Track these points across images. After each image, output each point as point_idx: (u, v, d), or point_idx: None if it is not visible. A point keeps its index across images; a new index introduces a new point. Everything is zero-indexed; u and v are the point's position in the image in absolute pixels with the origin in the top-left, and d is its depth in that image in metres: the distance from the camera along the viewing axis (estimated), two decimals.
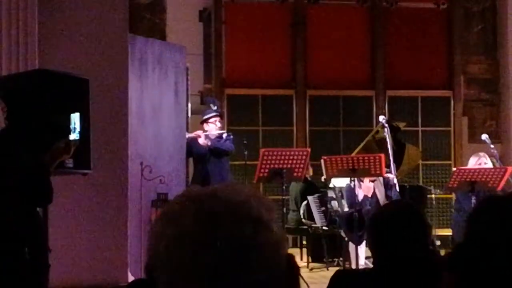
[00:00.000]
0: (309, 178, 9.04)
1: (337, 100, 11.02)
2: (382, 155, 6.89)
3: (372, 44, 11.18)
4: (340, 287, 2.79)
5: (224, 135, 7.91)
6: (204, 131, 7.82)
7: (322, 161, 6.98)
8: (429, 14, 11.30)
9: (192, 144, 7.62)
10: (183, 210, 1.18)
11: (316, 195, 8.71)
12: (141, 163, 6.24)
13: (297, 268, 1.20)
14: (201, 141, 7.68)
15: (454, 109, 11.22)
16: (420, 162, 10.73)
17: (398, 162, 9.59)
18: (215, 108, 7.90)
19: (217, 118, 7.90)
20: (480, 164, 7.27)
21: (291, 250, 9.24)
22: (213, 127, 7.82)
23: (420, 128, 11.13)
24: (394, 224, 2.72)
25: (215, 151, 7.73)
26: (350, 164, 6.82)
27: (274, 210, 1.25)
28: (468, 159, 7.74)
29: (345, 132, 10.94)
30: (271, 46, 10.88)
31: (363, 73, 11.16)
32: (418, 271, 2.62)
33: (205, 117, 7.92)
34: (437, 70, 11.30)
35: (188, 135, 7.55)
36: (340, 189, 8.29)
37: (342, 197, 8.23)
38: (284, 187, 7.35)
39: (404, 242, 2.69)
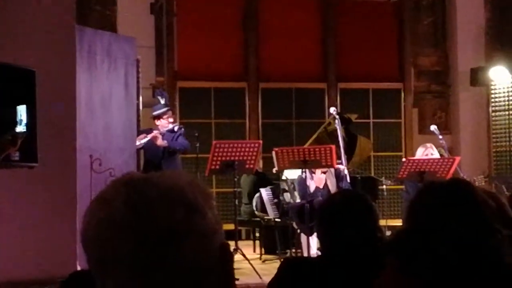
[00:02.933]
0: (259, 170, 9.06)
1: (290, 93, 11.05)
2: (333, 147, 6.93)
3: (324, 37, 11.24)
4: (288, 275, 2.80)
5: (176, 128, 7.89)
6: (155, 126, 7.79)
7: (273, 153, 7.00)
8: (380, 7, 11.40)
9: (148, 147, 7.61)
10: (115, 193, 1.17)
11: (269, 187, 8.72)
12: (91, 156, 6.18)
13: (231, 257, 1.19)
14: (159, 142, 7.67)
15: (404, 101, 11.35)
16: (372, 153, 10.84)
17: (350, 153, 9.68)
18: (163, 101, 7.87)
19: (169, 113, 7.90)
20: (427, 155, 7.38)
21: (244, 243, 9.25)
22: (165, 123, 7.81)
23: (371, 120, 11.23)
24: (342, 212, 2.74)
25: (170, 150, 7.74)
26: (302, 156, 6.85)
27: (211, 197, 1.24)
28: None
29: (298, 125, 10.98)
30: (223, 39, 10.85)
31: (315, 66, 11.21)
32: (364, 258, 2.64)
33: (157, 112, 7.90)
34: (388, 63, 11.42)
35: (145, 139, 7.51)
36: (292, 181, 8.32)
37: (294, 189, 8.26)
38: (236, 180, 7.36)
39: (351, 229, 2.71)
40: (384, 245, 2.56)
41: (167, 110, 7.86)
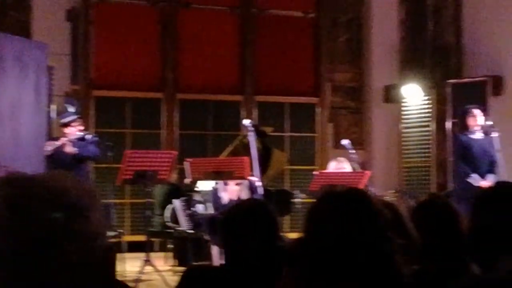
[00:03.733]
0: (173, 182, 9.02)
1: (207, 104, 11.05)
2: (246, 158, 6.96)
3: (242, 50, 11.31)
4: (190, 283, 2.79)
5: (88, 137, 7.78)
6: (65, 134, 7.66)
7: (186, 163, 6.97)
8: (297, 22, 11.56)
9: (56, 154, 7.46)
10: None
11: (182, 198, 8.67)
12: None
13: (114, 260, 1.18)
14: (68, 149, 7.53)
15: (320, 115, 11.51)
16: (287, 166, 10.94)
17: (264, 166, 9.74)
18: (73, 109, 7.75)
19: (79, 121, 7.78)
20: (339, 169, 7.51)
21: (156, 254, 9.16)
22: (74, 130, 7.69)
23: (287, 134, 11.34)
24: (243, 222, 2.76)
25: (78, 158, 7.61)
26: (214, 167, 6.85)
27: (97, 201, 1.23)
28: None
29: (214, 137, 10.99)
30: (140, 48, 10.77)
31: (233, 78, 11.26)
32: (265, 267, 2.66)
33: (65, 120, 7.78)
34: (304, 77, 11.57)
35: (53, 145, 7.37)
36: (206, 192, 8.30)
37: (208, 200, 8.24)
38: (149, 190, 7.30)
39: (252, 238, 2.72)
40: (282, 255, 2.58)
41: (76, 118, 7.75)
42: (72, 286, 1.16)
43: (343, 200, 2.03)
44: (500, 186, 2.34)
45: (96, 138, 7.93)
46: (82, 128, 7.84)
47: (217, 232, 6.56)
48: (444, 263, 2.82)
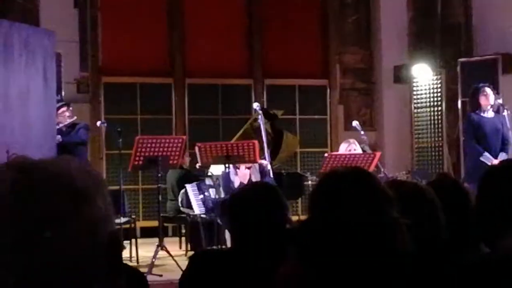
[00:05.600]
0: (185, 167, 9.04)
1: (216, 89, 11.04)
2: (256, 142, 6.96)
3: (250, 33, 11.27)
4: (198, 267, 2.80)
5: (81, 123, 7.84)
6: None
7: (196, 148, 6.98)
8: (305, 4, 11.49)
9: None
10: (3, 175, 1.15)
11: (194, 183, 8.69)
12: (7, 152, 6.02)
13: (120, 246, 1.18)
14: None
15: (330, 97, 11.48)
16: (298, 149, 10.93)
17: (276, 149, 9.75)
18: (58, 97, 7.78)
19: (64, 108, 7.80)
20: (350, 150, 7.51)
21: (170, 239, 9.21)
22: (61, 119, 7.72)
23: (297, 116, 11.32)
24: (249, 204, 2.76)
25: (66, 145, 7.61)
26: (225, 151, 6.86)
27: (102, 185, 1.23)
28: None
29: (224, 121, 10.98)
30: (148, 34, 10.75)
31: (241, 62, 11.23)
32: (273, 249, 2.66)
33: None
34: (313, 60, 11.53)
35: None
36: (218, 176, 8.31)
37: (219, 184, 8.25)
38: (160, 175, 7.31)
39: (259, 221, 2.72)
40: (287, 235, 2.59)
41: (61, 106, 7.77)
42: (76, 271, 1.16)
43: (343, 180, 2.03)
44: (506, 164, 2.32)
45: (85, 123, 7.96)
46: (69, 115, 7.87)
47: (224, 215, 6.59)
48: (454, 242, 2.80)
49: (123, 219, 7.79)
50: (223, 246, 7.77)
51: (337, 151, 8.30)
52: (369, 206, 1.96)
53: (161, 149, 7.01)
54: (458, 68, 10.12)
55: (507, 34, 10.12)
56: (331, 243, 1.97)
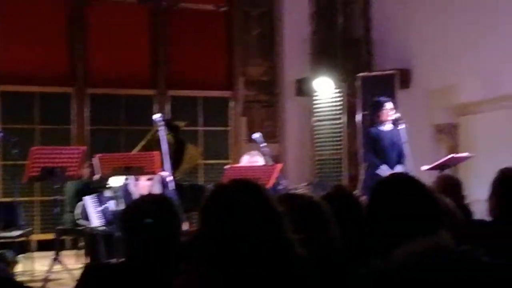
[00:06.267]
0: (84, 178, 8.85)
1: (118, 99, 10.88)
2: (157, 153, 6.88)
3: (154, 43, 11.18)
4: (90, 280, 2.73)
5: None
6: None
7: (95, 159, 6.83)
8: (210, 16, 11.51)
9: None
10: None
11: (94, 195, 8.51)
12: None
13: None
14: None
15: (233, 109, 11.51)
16: (201, 161, 10.90)
17: (178, 161, 9.67)
18: None
19: None
20: (252, 162, 7.52)
21: (68, 252, 8.97)
22: None
23: (200, 128, 11.30)
24: (142, 216, 2.71)
25: None
26: (125, 162, 6.74)
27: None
28: None
29: (127, 132, 10.82)
30: (49, 42, 10.49)
31: (145, 73, 11.12)
32: (165, 262, 2.62)
33: None
34: (217, 71, 11.55)
35: None
36: (118, 188, 8.16)
37: (119, 196, 8.10)
38: (58, 187, 7.12)
39: (152, 233, 2.68)
40: (181, 248, 2.55)
41: None
42: None
43: (228, 193, 2.01)
44: (394, 176, 2.37)
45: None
46: None
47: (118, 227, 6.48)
48: (349, 253, 2.84)
49: (17, 232, 7.53)
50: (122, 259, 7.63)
51: (239, 163, 8.30)
52: (257, 220, 1.95)
53: (58, 159, 6.83)
54: (358, 82, 10.35)
55: (405, 49, 10.44)
56: (221, 257, 1.95)
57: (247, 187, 2.02)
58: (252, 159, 7.71)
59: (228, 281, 1.94)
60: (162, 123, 7.60)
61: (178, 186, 8.42)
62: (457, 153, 8.53)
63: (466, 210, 4.57)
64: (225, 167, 7.94)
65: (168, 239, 2.66)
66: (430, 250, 2.07)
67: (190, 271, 2.08)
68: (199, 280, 2.01)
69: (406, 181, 2.24)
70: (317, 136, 11.00)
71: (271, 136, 11.44)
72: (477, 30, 9.32)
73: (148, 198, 2.89)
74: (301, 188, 8.91)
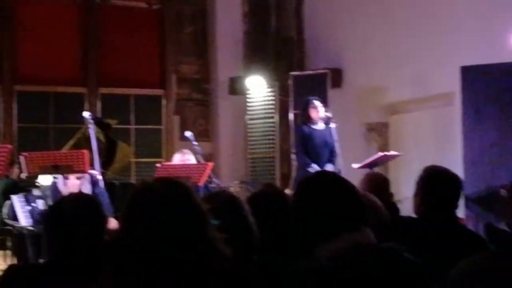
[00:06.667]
0: (12, 177, 8.65)
1: (47, 97, 10.67)
2: (86, 151, 6.74)
3: (85, 41, 11.00)
4: (11, 281, 2.66)
5: None
6: None
7: (21, 157, 6.67)
8: (142, 14, 11.40)
9: None
10: None
11: (22, 194, 8.33)
12: None
13: None
14: None
15: (166, 107, 11.43)
16: (133, 159, 10.79)
17: (109, 159, 9.56)
18: None
19: None
20: (184, 161, 7.47)
21: None
22: None
23: (133, 126, 11.18)
24: (66, 215, 2.65)
25: None
26: (52, 161, 6.59)
27: None
28: None
29: (56, 130, 10.63)
30: None
31: (75, 70, 10.94)
32: (88, 262, 2.57)
33: None
34: (150, 69, 11.45)
35: None
36: (46, 187, 8.00)
37: (48, 195, 7.95)
38: None
39: (75, 233, 2.63)
40: (104, 248, 2.51)
41: None
42: None
43: (151, 191, 1.99)
44: (318, 174, 2.39)
45: None
46: None
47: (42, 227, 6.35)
48: (278, 252, 2.84)
49: None
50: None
51: (171, 161, 8.24)
52: (181, 219, 1.93)
53: None
54: (291, 81, 10.41)
55: (337, 49, 10.56)
56: (143, 257, 1.92)
57: (172, 185, 1.99)
58: (184, 157, 7.65)
59: (147, 285, 1.91)
60: (92, 121, 7.48)
61: (110, 184, 8.32)
62: (388, 151, 8.67)
63: (393, 208, 4.64)
64: (157, 165, 7.87)
65: (91, 238, 2.61)
66: (353, 247, 2.08)
67: (110, 273, 2.05)
68: (119, 283, 1.97)
69: (329, 179, 2.25)
70: (250, 135, 11.02)
71: (204, 135, 11.43)
72: (406, 30, 9.51)
73: (71, 198, 2.84)
74: (234, 187, 8.91)
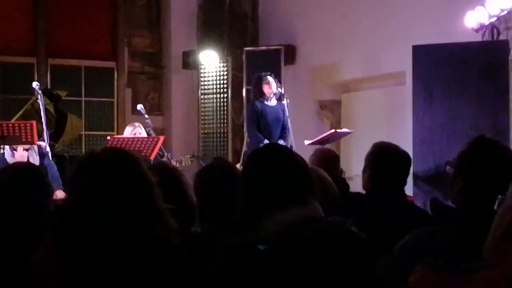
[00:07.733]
0: None
1: None
2: (34, 122, 6.64)
3: (35, 10, 10.75)
4: None
5: None
6: None
7: None
8: None
9: None
10: None
11: None
12: None
13: None
14: None
15: (118, 80, 11.29)
16: (83, 132, 10.65)
17: (59, 131, 9.42)
18: None
19: None
20: (135, 134, 7.41)
21: None
22: None
23: (83, 98, 11.01)
24: (6, 186, 2.60)
25: None
26: None
27: None
28: None
29: (4, 100, 10.41)
30: None
31: (24, 40, 10.70)
32: (30, 233, 2.52)
33: None
34: (101, 41, 11.27)
35: None
36: None
37: None
38: None
39: (18, 203, 2.58)
40: (47, 218, 2.46)
41: None
42: None
43: (97, 161, 1.95)
44: (266, 148, 2.37)
45: None
46: None
47: None
48: (223, 225, 2.83)
49: None
50: None
51: (123, 134, 8.15)
52: (130, 191, 1.90)
53: None
54: (244, 57, 10.36)
55: (291, 26, 10.54)
56: (88, 228, 1.89)
57: (118, 154, 1.96)
58: (135, 131, 7.59)
59: (92, 254, 1.88)
60: (41, 92, 7.34)
61: (59, 157, 8.21)
62: (339, 128, 8.72)
63: (343, 184, 4.67)
64: (108, 138, 7.79)
65: (33, 208, 2.56)
66: (300, 220, 2.08)
67: (53, 243, 2.01)
68: (62, 252, 1.94)
69: (278, 151, 2.24)
70: (202, 109, 10.96)
71: (156, 109, 11.35)
72: (359, 9, 9.53)
73: (12, 167, 2.77)
74: (185, 160, 8.87)
